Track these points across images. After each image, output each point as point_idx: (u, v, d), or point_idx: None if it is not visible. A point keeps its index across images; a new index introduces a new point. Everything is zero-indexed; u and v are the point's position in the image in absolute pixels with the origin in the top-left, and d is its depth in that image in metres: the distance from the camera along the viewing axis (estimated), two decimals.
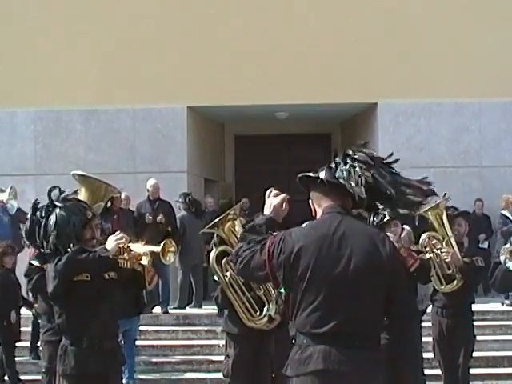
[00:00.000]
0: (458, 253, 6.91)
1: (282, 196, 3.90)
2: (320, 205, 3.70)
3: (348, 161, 3.64)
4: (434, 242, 6.97)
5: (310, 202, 3.78)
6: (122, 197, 11.71)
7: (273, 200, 3.87)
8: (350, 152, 3.68)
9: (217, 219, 5.97)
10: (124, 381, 9.14)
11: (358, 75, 13.17)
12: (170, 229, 11.76)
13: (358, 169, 3.60)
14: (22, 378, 9.48)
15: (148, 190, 12.15)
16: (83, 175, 5.90)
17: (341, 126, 15.92)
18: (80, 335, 5.03)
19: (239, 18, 13.42)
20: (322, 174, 3.68)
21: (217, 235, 6.06)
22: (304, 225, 3.70)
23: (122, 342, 9.17)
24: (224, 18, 13.42)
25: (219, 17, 13.43)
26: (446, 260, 6.87)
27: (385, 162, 3.69)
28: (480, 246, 11.97)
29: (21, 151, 13.50)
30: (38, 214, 5.22)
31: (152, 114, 13.49)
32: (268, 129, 15.44)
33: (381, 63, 13.20)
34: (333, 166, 3.69)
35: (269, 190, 3.92)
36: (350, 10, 13.38)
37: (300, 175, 3.75)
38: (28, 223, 5.35)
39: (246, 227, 3.88)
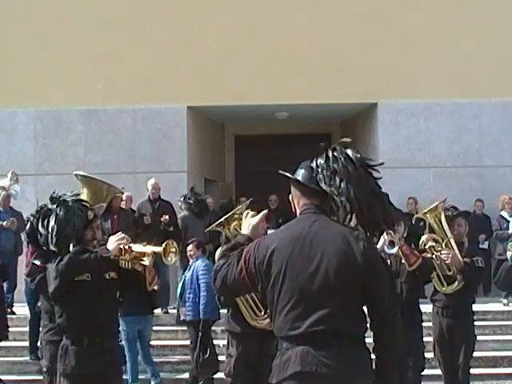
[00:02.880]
0: (458, 254, 6.90)
1: (260, 215, 3.96)
2: (298, 202, 3.66)
3: (330, 164, 3.52)
4: (433, 243, 6.97)
5: (290, 197, 3.73)
6: (123, 197, 11.70)
7: (251, 220, 3.90)
8: (333, 153, 3.54)
9: (222, 218, 5.97)
10: (152, 382, 9.18)
11: (358, 75, 13.17)
12: (172, 229, 11.75)
13: (338, 175, 3.48)
14: (22, 377, 9.49)
15: (148, 190, 12.15)
16: (85, 176, 5.91)
17: (341, 126, 15.93)
18: (80, 335, 5.03)
19: (239, 18, 13.42)
20: (301, 174, 3.62)
21: (219, 233, 6.06)
22: (281, 227, 3.70)
23: (137, 342, 9.22)
24: (224, 18, 13.42)
25: (219, 17, 13.43)
26: (446, 262, 6.86)
27: (369, 164, 3.55)
28: (480, 246, 11.98)
29: (21, 151, 13.50)
30: (38, 215, 5.23)
31: (152, 114, 13.49)
32: (268, 129, 15.45)
33: (381, 63, 13.21)
34: (314, 165, 3.58)
35: (246, 211, 3.99)
36: (349, 10, 13.39)
37: (280, 172, 3.72)
38: (29, 223, 5.35)
39: (226, 246, 3.87)
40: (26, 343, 10.22)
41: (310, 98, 13.36)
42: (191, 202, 12.09)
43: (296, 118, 14.67)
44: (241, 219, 5.83)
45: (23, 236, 5.67)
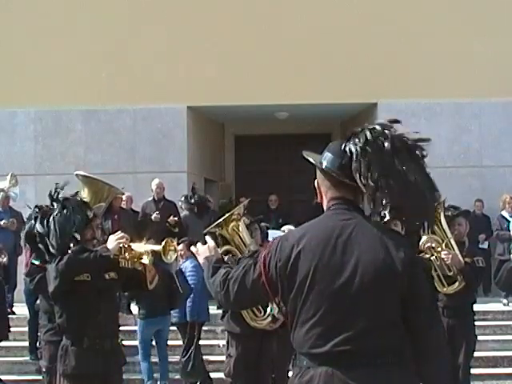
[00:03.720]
0: (458, 254, 6.90)
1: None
2: (326, 193, 3.11)
3: (368, 148, 2.97)
4: (433, 244, 6.96)
5: (316, 183, 3.17)
6: (124, 197, 11.69)
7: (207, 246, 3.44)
8: (372, 135, 2.99)
9: (221, 219, 5.97)
10: (158, 382, 9.17)
11: (358, 75, 13.17)
12: (177, 230, 11.74)
13: (376, 165, 2.94)
14: (22, 377, 9.49)
15: (153, 190, 12.13)
16: (86, 176, 5.91)
17: (341, 126, 15.92)
18: (80, 335, 5.03)
19: (239, 18, 13.42)
20: (329, 160, 3.06)
21: (220, 235, 6.05)
22: (304, 225, 3.14)
23: (154, 342, 9.22)
24: (224, 18, 13.41)
25: (219, 17, 13.43)
26: (447, 262, 6.85)
27: (416, 148, 3.03)
28: (480, 246, 11.98)
29: (21, 151, 13.50)
30: (38, 214, 5.22)
31: (152, 114, 13.49)
32: (268, 129, 15.44)
33: (381, 63, 13.20)
34: (348, 150, 3.02)
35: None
36: (349, 9, 13.38)
37: (304, 155, 3.19)
38: (28, 223, 5.34)
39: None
40: (26, 343, 10.21)
41: (310, 98, 13.36)
42: (192, 201, 12.09)
43: (296, 117, 14.67)
44: (239, 220, 5.84)
45: (22, 236, 5.67)
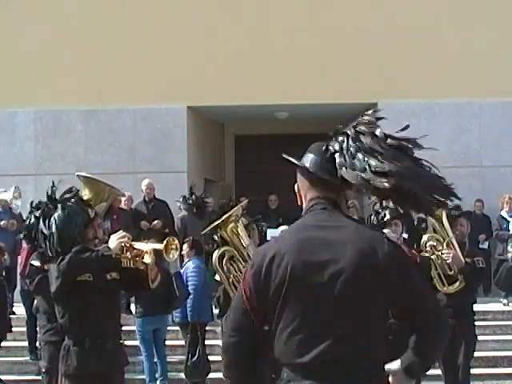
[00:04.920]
0: (459, 254, 6.90)
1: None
2: (305, 195, 2.98)
3: (351, 143, 2.88)
4: (434, 243, 6.97)
5: (296, 187, 3.06)
6: (124, 197, 11.70)
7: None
8: (357, 129, 2.93)
9: (219, 220, 5.97)
10: (158, 382, 9.17)
11: (358, 75, 13.17)
12: (167, 230, 11.74)
13: (362, 155, 2.82)
14: (22, 378, 9.48)
15: (143, 191, 12.14)
16: (87, 177, 5.90)
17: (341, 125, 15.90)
18: (82, 335, 5.02)
19: (239, 18, 13.42)
20: (310, 160, 2.95)
21: (219, 236, 6.07)
22: (281, 232, 3.06)
23: (153, 342, 9.22)
24: (224, 18, 13.41)
25: (219, 17, 13.43)
26: (447, 261, 6.86)
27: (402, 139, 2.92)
28: (480, 246, 11.98)
29: (21, 151, 13.51)
30: (38, 214, 5.21)
31: (152, 114, 13.49)
32: (268, 129, 15.43)
33: (381, 63, 13.20)
34: (331, 147, 2.93)
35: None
36: (349, 9, 13.38)
37: (285, 158, 3.09)
38: (27, 223, 5.33)
39: None
40: (26, 343, 10.22)
41: (310, 98, 13.36)
42: (190, 202, 12.09)
43: (296, 117, 14.66)
44: (237, 221, 5.84)
45: (21, 236, 5.66)
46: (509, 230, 12.38)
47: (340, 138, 2.93)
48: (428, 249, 7.01)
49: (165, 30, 13.40)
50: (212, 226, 6.11)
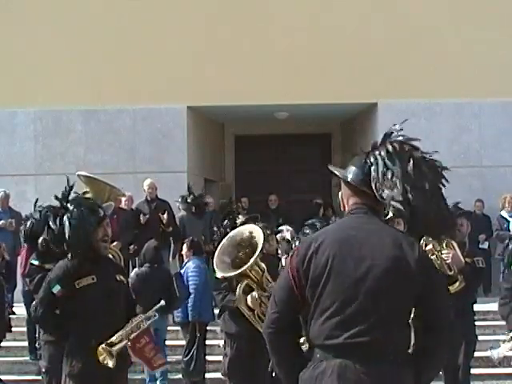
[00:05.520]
0: (459, 254, 6.89)
1: None
2: (348, 201, 3.34)
3: (387, 161, 3.22)
4: (434, 243, 6.96)
5: (340, 195, 3.41)
6: (124, 197, 11.69)
7: None
8: (392, 146, 3.27)
9: (232, 274, 5.66)
10: (158, 382, 9.16)
11: (358, 75, 13.17)
12: (170, 229, 11.75)
13: (394, 172, 3.18)
14: (22, 378, 9.48)
15: (145, 191, 12.15)
16: (88, 176, 5.90)
17: (341, 125, 15.92)
18: (87, 336, 5.02)
19: (239, 18, 13.42)
20: (353, 173, 3.29)
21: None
22: (324, 228, 3.48)
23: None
24: (224, 18, 13.42)
25: (219, 17, 13.43)
26: (447, 261, 6.85)
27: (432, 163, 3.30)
28: (480, 246, 11.99)
29: (21, 151, 13.50)
30: (46, 215, 5.17)
31: (152, 114, 13.49)
32: (268, 129, 15.44)
33: (381, 63, 13.20)
34: (369, 161, 3.26)
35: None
36: (349, 9, 13.39)
37: (329, 169, 3.45)
38: (28, 223, 5.31)
39: None
40: (26, 343, 10.21)
41: (309, 98, 13.36)
42: (189, 201, 12.09)
43: (296, 117, 14.67)
44: (252, 276, 5.61)
45: (21, 236, 5.65)
46: (509, 230, 12.39)
47: (376, 153, 3.27)
48: (428, 248, 7.00)
49: (165, 30, 13.41)
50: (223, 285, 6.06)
